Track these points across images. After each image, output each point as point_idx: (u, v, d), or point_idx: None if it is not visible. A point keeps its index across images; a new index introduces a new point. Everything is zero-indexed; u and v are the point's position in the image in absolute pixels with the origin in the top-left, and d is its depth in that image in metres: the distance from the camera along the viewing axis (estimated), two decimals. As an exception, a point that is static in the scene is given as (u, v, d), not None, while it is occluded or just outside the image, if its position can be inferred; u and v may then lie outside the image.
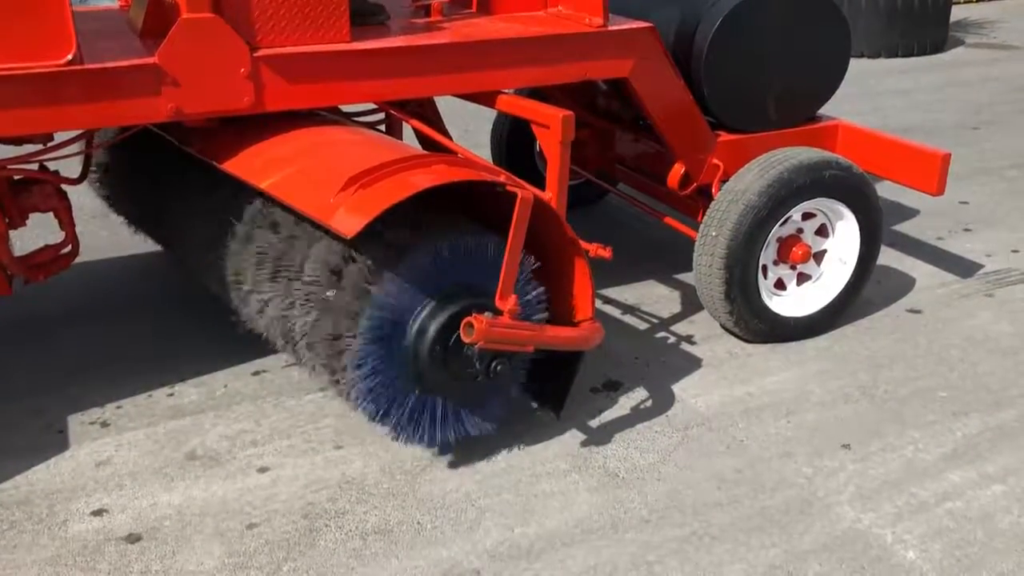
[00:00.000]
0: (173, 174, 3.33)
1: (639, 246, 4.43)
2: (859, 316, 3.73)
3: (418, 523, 2.58)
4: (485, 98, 3.11)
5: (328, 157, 2.68)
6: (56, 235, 3.14)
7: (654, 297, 3.94)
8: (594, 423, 3.02)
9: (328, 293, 2.49)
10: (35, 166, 2.99)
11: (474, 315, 2.43)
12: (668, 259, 4.21)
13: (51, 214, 3.09)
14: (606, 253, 2.89)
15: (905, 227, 4.66)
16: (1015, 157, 5.79)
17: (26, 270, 3.05)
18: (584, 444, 2.92)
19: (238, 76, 2.69)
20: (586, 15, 3.19)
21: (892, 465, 2.84)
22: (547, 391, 2.98)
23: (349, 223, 2.29)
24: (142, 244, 4.10)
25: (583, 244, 2.76)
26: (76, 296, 3.82)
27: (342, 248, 2.52)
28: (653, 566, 2.43)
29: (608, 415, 3.07)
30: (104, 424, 3.01)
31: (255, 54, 2.70)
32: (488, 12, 3.41)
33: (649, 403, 3.14)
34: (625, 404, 3.13)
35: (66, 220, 3.14)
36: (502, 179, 2.54)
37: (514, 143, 4.61)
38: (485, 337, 2.42)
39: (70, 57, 2.48)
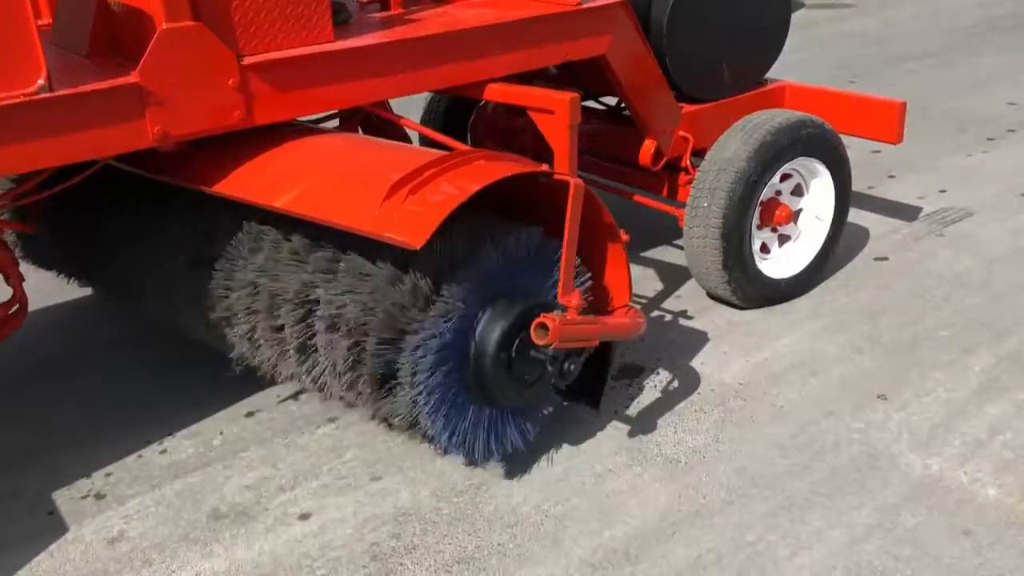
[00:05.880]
0: (127, 210, 2.98)
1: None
2: (832, 271, 3.79)
3: (498, 545, 2.41)
4: (474, 90, 2.94)
5: (349, 166, 2.45)
6: None
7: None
8: (632, 412, 2.93)
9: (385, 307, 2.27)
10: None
11: (542, 316, 2.27)
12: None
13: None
14: (626, 237, 2.79)
15: (834, 181, 4.80)
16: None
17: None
18: (631, 435, 2.82)
19: (226, 88, 2.42)
20: (560, -6, 3.08)
21: (932, 409, 2.88)
22: (577, 387, 2.85)
23: (413, 233, 2.08)
24: (73, 289, 3.67)
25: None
26: (21, 354, 3.36)
27: (395, 261, 2.31)
28: (756, 545, 2.36)
29: (642, 401, 2.98)
30: (99, 496, 2.67)
31: (242, 62, 2.43)
32: (448, 0, 3.23)
33: (676, 383, 3.07)
34: (653, 388, 3.05)
35: (13, 275, 2.77)
36: (545, 168, 2.40)
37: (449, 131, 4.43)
38: (560, 336, 2.27)
39: (41, 82, 2.15)
